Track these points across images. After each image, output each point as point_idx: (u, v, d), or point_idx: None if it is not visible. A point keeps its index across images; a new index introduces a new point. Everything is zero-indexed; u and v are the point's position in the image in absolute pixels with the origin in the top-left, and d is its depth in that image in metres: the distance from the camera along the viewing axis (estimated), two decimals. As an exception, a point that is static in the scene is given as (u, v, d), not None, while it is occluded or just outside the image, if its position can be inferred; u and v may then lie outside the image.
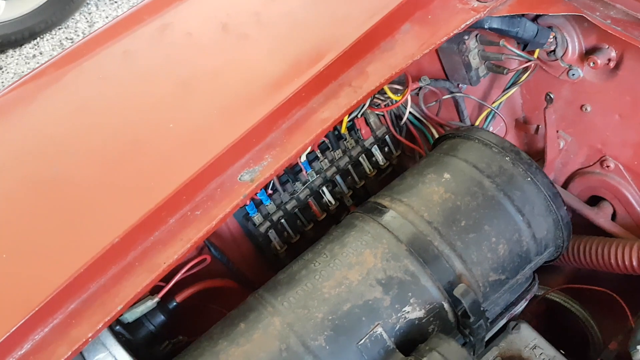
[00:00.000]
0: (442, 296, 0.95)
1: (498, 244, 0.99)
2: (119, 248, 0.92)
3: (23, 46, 3.71)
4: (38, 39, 3.73)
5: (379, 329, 0.91)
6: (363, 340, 0.90)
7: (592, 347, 1.46)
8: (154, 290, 1.08)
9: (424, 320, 0.94)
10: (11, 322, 0.85)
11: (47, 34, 3.78)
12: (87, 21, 3.93)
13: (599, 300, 1.46)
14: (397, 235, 0.98)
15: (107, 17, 3.94)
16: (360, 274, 0.94)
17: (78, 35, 3.86)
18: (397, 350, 0.91)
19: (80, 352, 0.99)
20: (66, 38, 3.87)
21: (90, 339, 0.88)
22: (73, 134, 1.01)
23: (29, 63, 3.73)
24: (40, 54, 3.74)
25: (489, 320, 1.06)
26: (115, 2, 4.04)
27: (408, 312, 0.93)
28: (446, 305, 0.95)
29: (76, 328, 0.89)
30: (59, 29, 3.85)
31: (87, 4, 3.95)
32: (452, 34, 1.14)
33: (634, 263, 1.26)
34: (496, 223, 1.00)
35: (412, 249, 0.96)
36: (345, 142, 1.26)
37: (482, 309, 0.96)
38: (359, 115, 1.22)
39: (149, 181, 0.97)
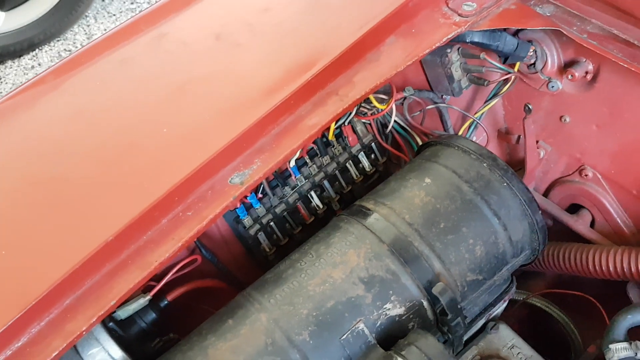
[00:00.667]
0: (422, 294, 0.99)
1: (475, 245, 1.04)
2: (113, 246, 0.96)
3: (22, 57, 3.76)
4: (37, 50, 3.79)
5: (361, 325, 0.95)
6: (346, 335, 0.93)
7: (572, 351, 1.50)
8: (146, 289, 1.12)
9: (404, 317, 0.98)
10: (8, 316, 0.88)
11: (46, 46, 3.83)
12: (86, 33, 3.99)
13: (579, 305, 1.51)
14: (379, 236, 1.02)
15: (105, 30, 4.00)
16: (344, 272, 0.99)
17: (76, 47, 3.91)
18: (378, 346, 0.94)
19: (75, 347, 1.04)
20: (65, 50, 3.92)
21: (84, 332, 0.91)
22: (71, 137, 1.05)
23: (27, 74, 3.78)
24: (39, 65, 3.79)
25: (468, 321, 1.10)
26: (114, 15, 4.10)
27: (389, 309, 0.97)
28: (425, 303, 0.99)
29: (71, 322, 0.92)
30: (58, 40, 3.90)
31: (86, 16, 4.01)
32: (434, 47, 1.19)
33: (611, 269, 1.30)
34: (474, 225, 1.05)
35: (394, 249, 1.00)
36: (333, 148, 1.30)
37: (459, 307, 1.00)
38: (346, 123, 1.27)
39: (143, 182, 1.01)
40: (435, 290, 0.98)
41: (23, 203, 0.99)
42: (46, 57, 3.82)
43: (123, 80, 1.13)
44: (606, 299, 1.36)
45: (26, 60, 3.80)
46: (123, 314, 1.07)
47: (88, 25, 4.03)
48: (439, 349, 0.90)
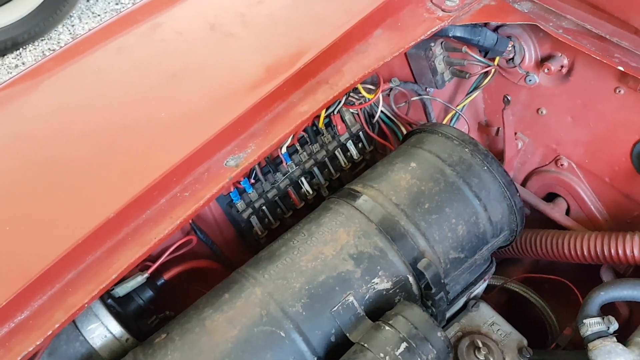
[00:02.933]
0: (407, 270, 1.05)
1: (457, 224, 1.10)
2: (114, 224, 1.00)
3: (5, 56, 3.75)
4: (21, 49, 3.78)
5: (351, 298, 1.00)
6: (336, 307, 0.99)
7: (549, 333, 1.57)
8: (143, 269, 1.16)
9: (390, 291, 1.03)
10: (11, 290, 0.92)
11: (30, 45, 3.83)
12: (70, 33, 4.00)
13: (556, 290, 1.57)
14: (368, 215, 1.07)
15: (90, 29, 4.00)
16: (335, 249, 1.04)
17: (61, 47, 3.91)
18: (367, 317, 1.00)
19: (74, 323, 1.07)
20: (49, 49, 3.92)
21: (86, 305, 0.95)
22: (72, 121, 1.09)
23: (11, 72, 3.77)
24: (23, 64, 3.79)
25: (451, 298, 1.16)
26: (98, 15, 4.12)
27: (377, 283, 1.03)
28: (411, 278, 1.05)
29: (72, 296, 0.96)
30: (42, 40, 3.90)
31: (70, 16, 4.02)
32: (419, 40, 1.25)
33: (585, 253, 1.37)
34: (456, 206, 1.11)
35: (381, 228, 1.06)
36: (322, 137, 1.36)
37: (442, 282, 1.06)
38: (335, 112, 1.32)
39: (142, 164, 1.05)
40: (420, 265, 1.03)
41: (27, 182, 1.03)
42: (30, 56, 3.82)
43: (121, 68, 1.17)
44: (581, 283, 1.42)
45: (10, 59, 3.79)
46: (121, 291, 1.11)
47: (72, 25, 4.04)
48: (424, 317, 0.95)
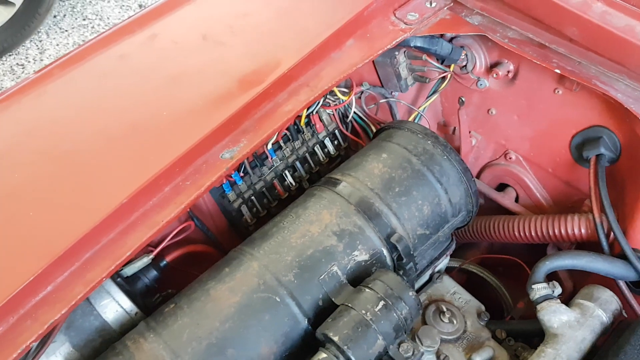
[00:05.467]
0: (382, 244, 1.21)
1: (423, 205, 1.27)
2: (125, 209, 1.11)
3: (-26, 71, 3.77)
4: (-12, 64, 3.81)
5: (335, 268, 1.15)
6: (323, 276, 1.14)
7: (504, 308, 1.75)
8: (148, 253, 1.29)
9: (368, 262, 1.19)
10: (37, 268, 1.02)
11: (-1, 60, 3.87)
12: (38, 48, 4.04)
13: (509, 271, 1.76)
14: (347, 199, 1.24)
15: (57, 45, 4.07)
16: (320, 227, 1.19)
17: (29, 62, 3.96)
18: (349, 284, 1.15)
19: (88, 299, 1.19)
20: (17, 64, 3.96)
21: (103, 279, 1.07)
22: (84, 119, 1.21)
23: (-21, 88, 3.78)
24: (-8, 79, 3.81)
25: (419, 270, 1.34)
26: (66, 30, 4.17)
27: (357, 255, 1.18)
28: (385, 251, 1.22)
29: (90, 272, 1.07)
30: (10, 55, 3.94)
31: (38, 32, 4.06)
32: (385, 49, 1.41)
33: (533, 234, 1.54)
34: (421, 190, 1.28)
35: (359, 209, 1.22)
36: (303, 134, 1.52)
37: (412, 253, 1.23)
38: (314, 112, 1.49)
39: (149, 157, 1.18)
40: (393, 239, 1.20)
41: (47, 174, 1.14)
42: (-1, 70, 3.85)
43: (124, 73, 1.31)
44: (530, 263, 1.61)
45: (-21, 73, 3.81)
46: (129, 270, 1.24)
47: (40, 41, 4.08)
48: (398, 280, 1.12)
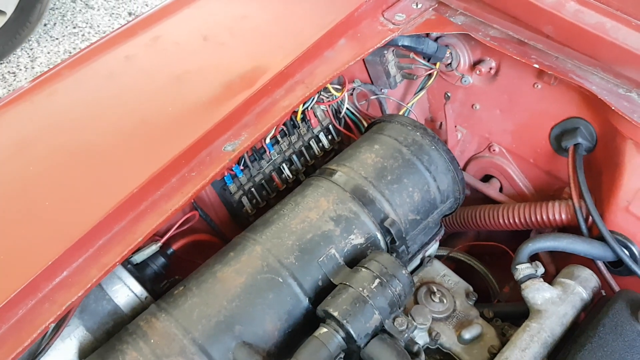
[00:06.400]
0: (376, 228, 1.29)
1: (414, 192, 1.36)
2: (135, 198, 1.17)
3: (-34, 79, 3.80)
4: (-20, 72, 3.85)
5: (332, 251, 1.23)
6: (322, 258, 1.21)
7: (491, 294, 1.83)
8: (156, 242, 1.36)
9: (363, 245, 1.27)
10: (53, 254, 1.07)
11: (-10, 68, 3.90)
12: (29, 56, 4.08)
13: (495, 259, 1.85)
14: (343, 187, 1.32)
15: (48, 52, 4.11)
16: (318, 213, 1.27)
17: (20, 70, 4.00)
18: (346, 265, 1.23)
19: (100, 285, 1.25)
20: (8, 72, 4.00)
21: (117, 263, 1.12)
22: (95, 115, 1.27)
23: (-29, 97, 3.81)
24: (-17, 87, 3.85)
25: (411, 253, 1.42)
26: (57, 39, 4.21)
27: (353, 239, 1.26)
28: (379, 235, 1.30)
29: (105, 257, 1.12)
30: (1, 63, 3.97)
31: (29, 40, 4.10)
32: (375, 48, 1.49)
33: (517, 220, 1.62)
34: (412, 177, 1.36)
35: (354, 196, 1.30)
36: (299, 129, 1.60)
37: (404, 237, 1.32)
38: (309, 108, 1.57)
39: (157, 150, 1.24)
40: (386, 223, 1.29)
41: (62, 167, 1.20)
42: (-10, 79, 3.88)
43: (130, 72, 1.38)
44: (515, 250, 1.70)
45: (-31, 82, 3.83)
46: (139, 258, 1.30)
47: (31, 49, 4.11)
48: (392, 260, 1.20)
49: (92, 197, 1.19)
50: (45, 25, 4.29)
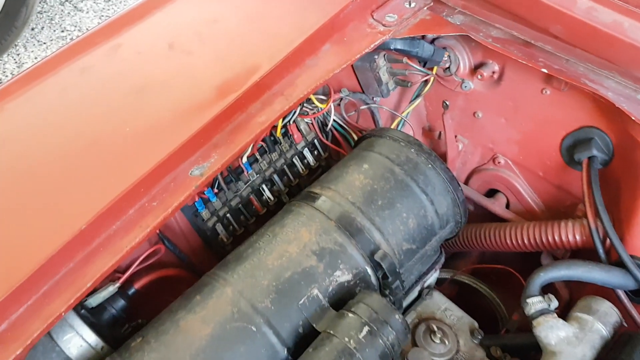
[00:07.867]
0: (366, 262, 1.13)
1: (408, 218, 1.20)
2: (85, 235, 1.03)
3: (-48, 85, 3.68)
4: (-34, 79, 3.73)
5: (315, 291, 1.07)
6: (302, 300, 1.06)
7: (499, 320, 1.68)
8: (113, 280, 1.21)
9: (351, 283, 1.12)
10: None
11: (-24, 74, 3.78)
12: (16, 62, 3.97)
13: (502, 280, 1.69)
14: (327, 214, 1.16)
15: (36, 58, 4.00)
16: (298, 247, 1.12)
17: (7, 76, 3.88)
18: (331, 308, 1.07)
19: (50, 334, 1.10)
20: (-6, 78, 3.88)
21: (62, 314, 0.99)
22: (39, 138, 1.12)
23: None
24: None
25: (406, 287, 1.26)
26: (44, 43, 4.10)
27: (339, 276, 1.11)
28: (369, 270, 1.14)
29: (49, 305, 0.99)
30: (-12, 69, 3.86)
31: (16, 45, 3.98)
32: (364, 53, 1.35)
33: (526, 241, 1.48)
34: (406, 201, 1.21)
35: (340, 225, 1.15)
36: (280, 146, 1.44)
37: (398, 271, 1.16)
38: (291, 122, 1.41)
39: (110, 177, 1.10)
40: (377, 257, 1.12)
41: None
42: (-23, 85, 3.76)
43: (85, 87, 1.22)
44: (524, 272, 1.54)
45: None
46: (94, 301, 1.15)
47: (18, 54, 4.01)
48: (383, 303, 1.04)
49: (33, 236, 1.04)
50: (32, 29, 4.18)
